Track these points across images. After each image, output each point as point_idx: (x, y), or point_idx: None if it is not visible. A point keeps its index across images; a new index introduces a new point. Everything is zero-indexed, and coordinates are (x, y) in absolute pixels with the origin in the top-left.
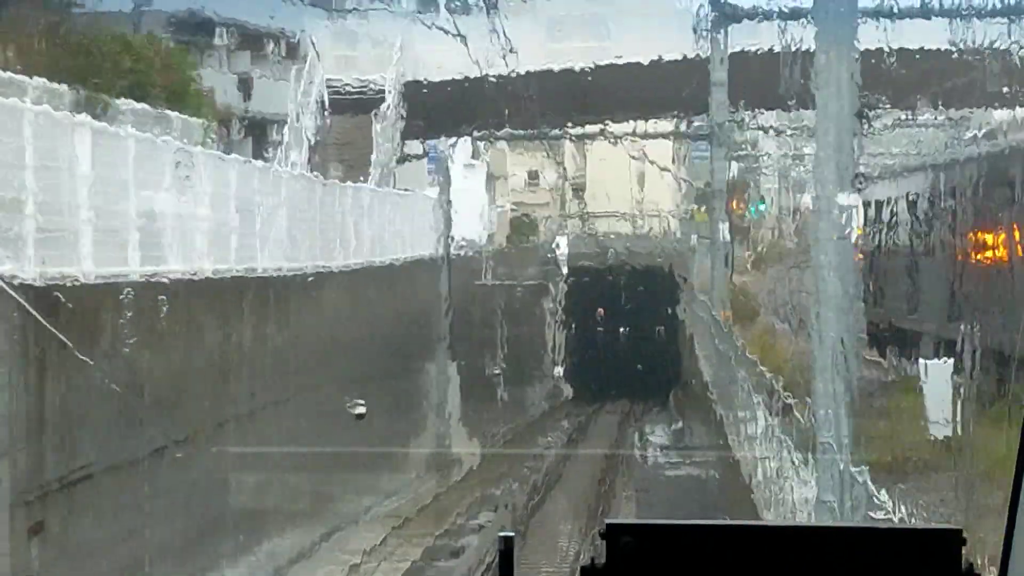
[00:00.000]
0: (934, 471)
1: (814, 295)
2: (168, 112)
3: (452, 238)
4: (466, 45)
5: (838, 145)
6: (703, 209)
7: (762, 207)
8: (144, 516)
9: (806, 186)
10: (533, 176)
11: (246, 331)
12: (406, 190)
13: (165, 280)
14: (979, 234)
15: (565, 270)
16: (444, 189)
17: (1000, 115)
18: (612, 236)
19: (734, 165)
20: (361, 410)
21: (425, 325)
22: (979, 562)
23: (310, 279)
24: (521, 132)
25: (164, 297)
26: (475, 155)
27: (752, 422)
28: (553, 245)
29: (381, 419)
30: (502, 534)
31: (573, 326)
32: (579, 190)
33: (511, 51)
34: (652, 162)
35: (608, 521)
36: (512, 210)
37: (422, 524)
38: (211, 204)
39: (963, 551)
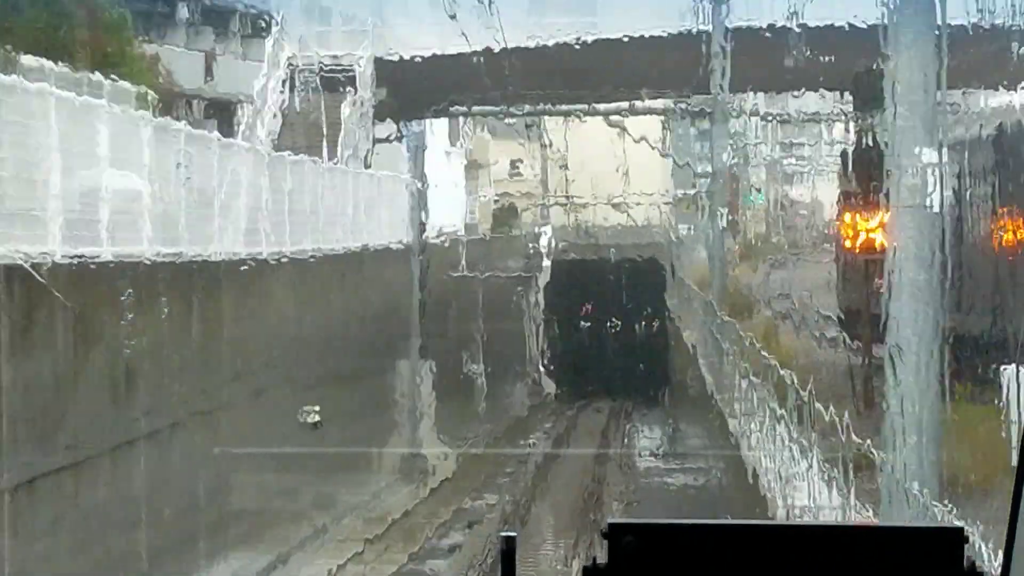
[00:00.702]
0: None
1: (889, 299)
2: (97, 76)
3: (425, 225)
4: (455, 19)
5: (917, 124)
6: (695, 191)
7: (757, 198)
8: None
9: (794, 178)
10: (516, 165)
11: (173, 327)
12: (379, 173)
13: (91, 265)
14: None
15: (548, 262)
16: (419, 172)
17: None
18: (599, 225)
19: (727, 152)
20: (315, 418)
21: (397, 319)
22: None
23: (269, 265)
24: (501, 108)
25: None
26: (455, 142)
27: (770, 432)
28: (537, 234)
29: (341, 426)
30: (504, 534)
31: (558, 320)
32: (564, 178)
33: (497, 28)
34: (641, 139)
35: (610, 520)
36: (495, 200)
37: (388, 546)
38: (152, 178)
39: (965, 550)
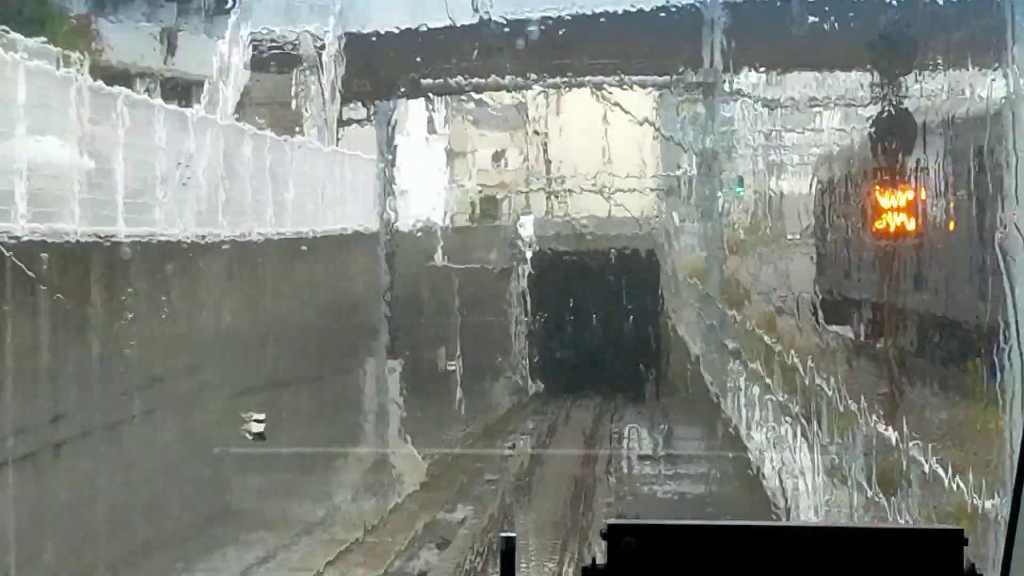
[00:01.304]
0: None
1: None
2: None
3: (396, 211)
4: None
5: None
6: (684, 174)
7: (740, 190)
8: None
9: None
10: (499, 156)
11: (67, 322)
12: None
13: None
14: None
15: (531, 252)
16: (390, 155)
17: None
18: (586, 215)
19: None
20: (258, 428)
21: (365, 313)
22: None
23: (218, 248)
24: (479, 82)
25: None
26: (435, 129)
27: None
28: (517, 225)
29: (293, 435)
30: (504, 534)
31: (543, 314)
32: (549, 163)
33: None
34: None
35: (609, 521)
36: (478, 190)
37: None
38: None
39: (964, 551)
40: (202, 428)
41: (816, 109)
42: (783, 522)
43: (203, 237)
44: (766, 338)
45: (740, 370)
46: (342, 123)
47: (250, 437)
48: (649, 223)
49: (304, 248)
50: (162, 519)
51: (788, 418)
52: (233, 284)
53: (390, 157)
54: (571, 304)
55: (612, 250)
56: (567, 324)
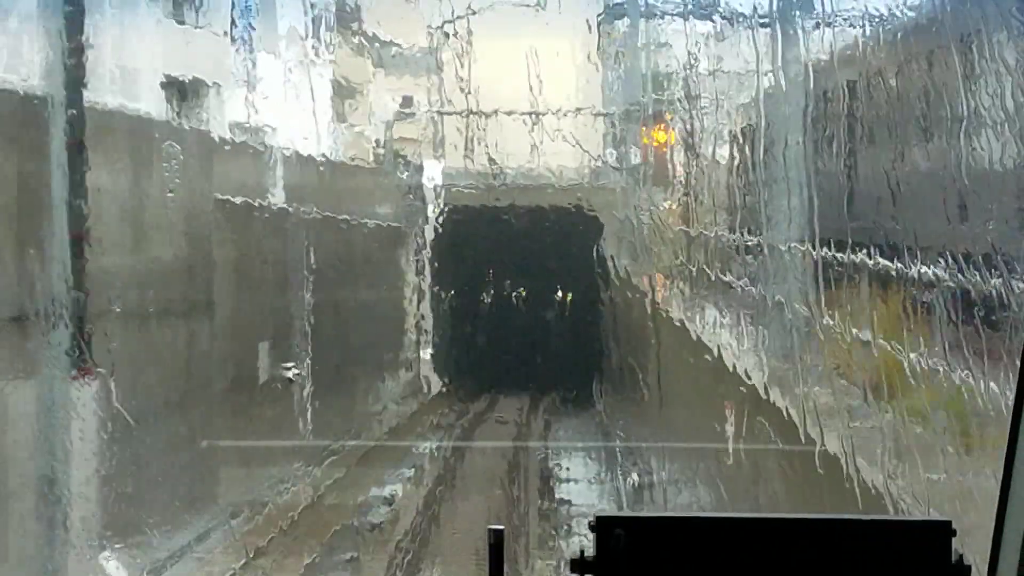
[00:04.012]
0: None
1: None
2: None
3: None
4: None
5: None
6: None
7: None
8: None
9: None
10: (407, 103)
11: None
12: None
13: None
14: None
15: (435, 208)
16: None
17: None
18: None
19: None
20: None
21: (177, 280)
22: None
23: None
24: None
25: None
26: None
27: None
28: (420, 171)
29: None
30: (492, 528)
31: (451, 288)
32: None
33: None
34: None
35: (597, 514)
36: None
37: None
38: None
39: (952, 543)
40: None
41: None
42: (773, 514)
43: None
44: None
45: None
46: None
47: None
48: (591, 176)
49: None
50: None
51: None
52: None
53: None
54: (491, 274)
55: (547, 206)
56: (483, 302)
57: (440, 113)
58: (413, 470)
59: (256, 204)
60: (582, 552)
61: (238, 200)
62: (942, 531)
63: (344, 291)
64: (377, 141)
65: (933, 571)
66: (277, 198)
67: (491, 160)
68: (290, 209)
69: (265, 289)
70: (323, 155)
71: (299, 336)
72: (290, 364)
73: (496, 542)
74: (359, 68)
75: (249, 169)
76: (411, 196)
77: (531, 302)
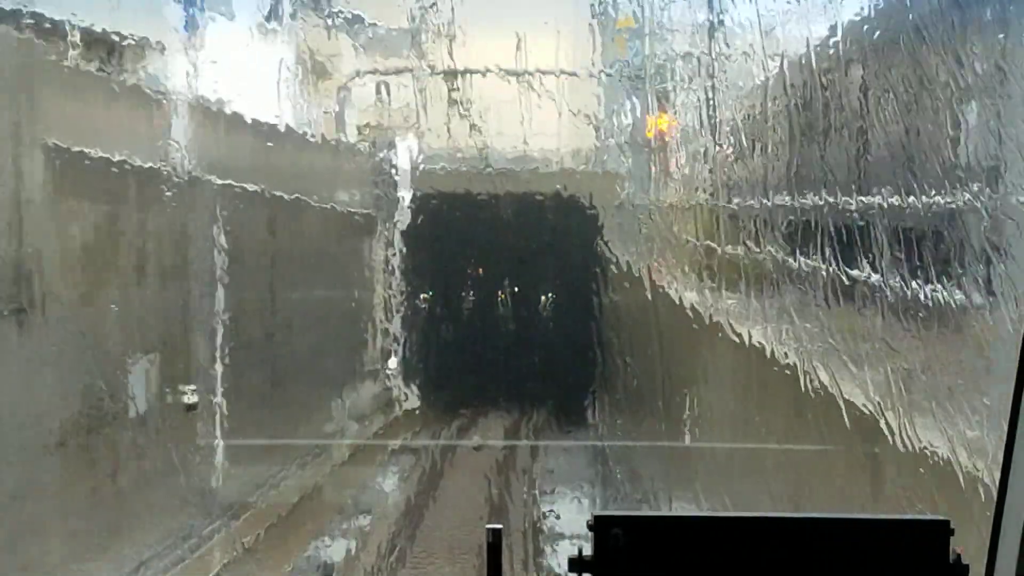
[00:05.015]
0: None
1: None
2: None
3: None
4: None
5: None
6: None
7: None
8: None
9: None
10: (382, 87)
11: None
12: None
13: None
14: None
15: (408, 194)
16: None
17: None
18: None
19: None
20: None
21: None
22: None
23: None
24: None
25: None
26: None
27: None
28: (388, 151)
29: None
30: (490, 527)
31: (427, 289)
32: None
33: None
34: None
35: (596, 513)
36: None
37: None
38: None
39: (950, 542)
40: None
41: None
42: (771, 513)
43: None
44: None
45: None
46: None
47: None
48: (591, 155)
49: None
50: None
51: None
52: None
53: None
54: (472, 273)
55: (537, 194)
56: (464, 305)
57: (430, 70)
58: (356, 538)
59: (144, 167)
60: (580, 551)
61: (102, 155)
62: (940, 530)
63: (292, 288)
64: (335, 111)
65: (931, 570)
66: (178, 161)
67: (473, 126)
68: (202, 178)
69: (149, 283)
70: (266, 119)
71: (207, 347)
72: (189, 387)
73: (494, 541)
74: (336, 48)
75: (141, 120)
76: (379, 178)
77: (520, 304)
